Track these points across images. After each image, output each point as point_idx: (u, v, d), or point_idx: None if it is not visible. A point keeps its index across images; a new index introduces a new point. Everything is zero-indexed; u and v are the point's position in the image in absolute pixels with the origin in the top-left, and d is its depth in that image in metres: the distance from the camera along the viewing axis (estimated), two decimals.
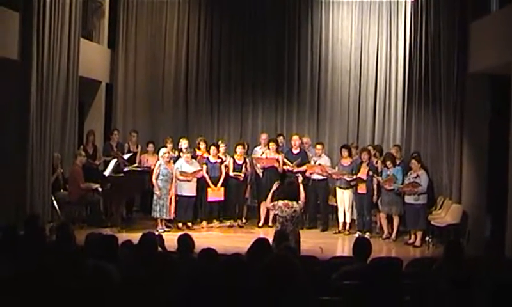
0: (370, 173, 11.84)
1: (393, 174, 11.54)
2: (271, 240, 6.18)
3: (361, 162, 12.01)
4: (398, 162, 11.94)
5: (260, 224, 12.64)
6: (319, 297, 4.97)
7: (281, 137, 13.57)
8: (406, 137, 13.62)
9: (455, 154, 12.37)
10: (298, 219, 9.10)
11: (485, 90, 12.15)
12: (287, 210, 8.64)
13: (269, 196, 9.04)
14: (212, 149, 12.61)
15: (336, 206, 12.52)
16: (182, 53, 14.80)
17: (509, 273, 6.47)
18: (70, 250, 6.14)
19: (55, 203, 11.43)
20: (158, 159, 12.06)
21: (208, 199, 12.46)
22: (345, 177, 12.10)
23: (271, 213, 11.96)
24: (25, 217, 8.01)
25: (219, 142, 13.18)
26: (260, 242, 5.72)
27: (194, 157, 12.52)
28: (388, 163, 11.66)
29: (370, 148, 12.54)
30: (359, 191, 11.99)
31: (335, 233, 12.33)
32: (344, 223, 12.34)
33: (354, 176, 11.94)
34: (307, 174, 12.56)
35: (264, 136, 13.36)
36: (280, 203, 8.76)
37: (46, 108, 10.99)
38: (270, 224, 12.43)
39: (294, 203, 8.72)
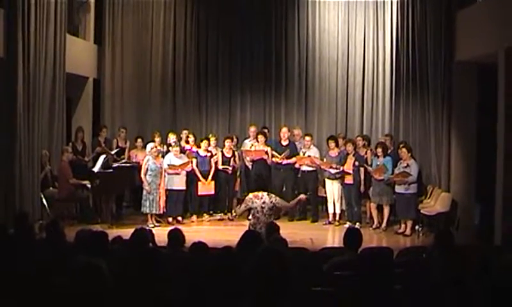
0: (357, 163, 11.87)
1: (383, 163, 11.55)
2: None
3: (347, 154, 12.04)
4: (389, 151, 11.95)
5: (250, 217, 12.61)
6: (310, 288, 4.99)
7: (265, 130, 13.58)
8: (394, 127, 13.66)
9: (443, 142, 12.43)
10: (272, 210, 9.12)
11: (472, 78, 12.21)
12: (257, 201, 8.70)
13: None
14: (204, 143, 12.59)
15: (326, 197, 12.55)
16: (169, 47, 14.74)
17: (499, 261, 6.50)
18: (61, 247, 6.13)
19: (44, 200, 11.38)
20: (147, 154, 12.06)
21: (199, 193, 12.45)
22: (331, 170, 12.12)
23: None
24: (14, 216, 7.98)
25: (210, 136, 13.15)
26: (250, 235, 5.73)
27: (182, 151, 12.51)
28: (379, 150, 11.66)
29: (359, 138, 12.52)
30: (346, 182, 12.02)
31: (325, 224, 12.35)
32: (334, 214, 12.36)
33: (341, 168, 11.97)
34: (296, 165, 12.61)
35: (252, 129, 13.37)
36: (250, 195, 8.80)
37: (33, 105, 10.92)
38: None
39: (265, 194, 8.75)
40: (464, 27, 11.99)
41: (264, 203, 8.74)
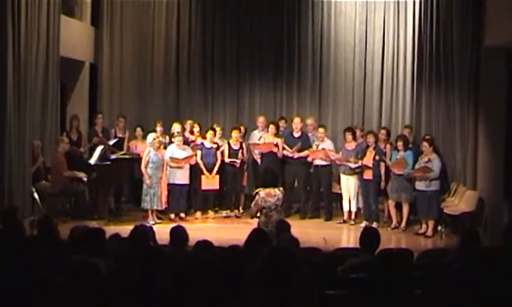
0: (377, 157, 11.83)
1: (403, 157, 11.52)
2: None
3: (367, 147, 12.00)
4: (409, 145, 11.91)
5: (259, 214, 12.59)
6: (323, 291, 4.99)
7: (283, 121, 13.52)
8: (416, 119, 13.54)
9: (469, 136, 12.38)
10: (282, 207, 9.14)
11: (502, 65, 12.10)
12: (270, 199, 8.67)
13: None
14: (209, 133, 12.59)
15: (341, 194, 12.53)
16: (172, 29, 14.70)
17: None
18: (54, 245, 6.15)
19: (36, 194, 11.41)
20: (148, 145, 12.07)
21: (203, 188, 12.47)
22: (350, 164, 12.10)
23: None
24: (2, 211, 8.01)
25: (215, 126, 13.14)
26: (258, 233, 5.74)
27: (186, 142, 12.52)
28: (399, 144, 11.63)
29: (383, 132, 12.41)
30: (364, 177, 11.98)
31: (340, 223, 12.36)
32: (349, 212, 12.35)
33: (359, 163, 11.94)
34: (309, 159, 12.59)
35: (261, 119, 13.35)
36: (262, 193, 8.77)
37: (24, 92, 10.93)
38: None
39: (276, 190, 8.75)
40: (493, 9, 11.89)
41: (278, 200, 8.73)
